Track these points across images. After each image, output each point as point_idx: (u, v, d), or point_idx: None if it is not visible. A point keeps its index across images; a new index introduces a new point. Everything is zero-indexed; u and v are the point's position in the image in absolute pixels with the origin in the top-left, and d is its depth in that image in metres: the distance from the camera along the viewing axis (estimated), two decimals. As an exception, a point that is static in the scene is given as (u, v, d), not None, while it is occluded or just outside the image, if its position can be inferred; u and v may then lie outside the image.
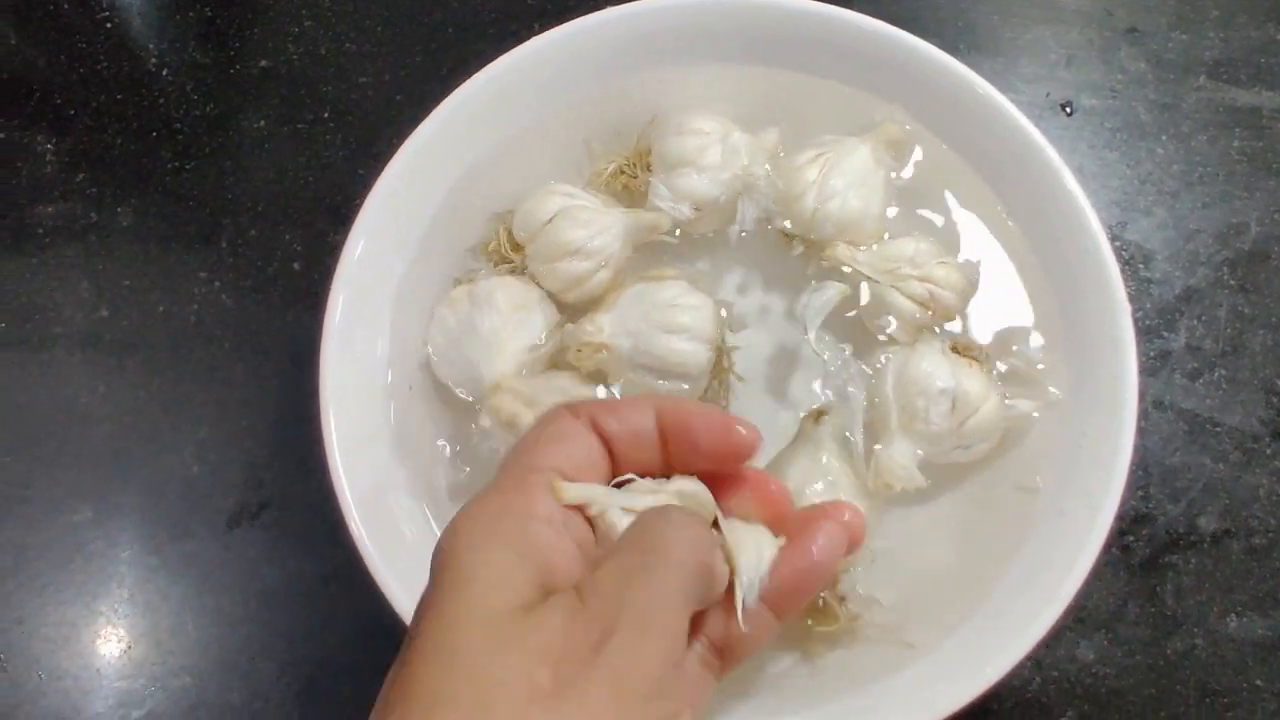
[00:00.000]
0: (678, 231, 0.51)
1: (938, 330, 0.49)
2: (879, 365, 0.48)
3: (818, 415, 0.48)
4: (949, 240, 0.51)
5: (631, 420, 0.35)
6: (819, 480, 0.46)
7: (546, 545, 0.31)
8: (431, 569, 0.31)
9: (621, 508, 0.34)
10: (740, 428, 0.35)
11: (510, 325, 0.47)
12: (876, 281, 0.48)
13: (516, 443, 0.35)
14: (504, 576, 0.29)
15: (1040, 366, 0.48)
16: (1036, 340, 0.49)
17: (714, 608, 0.34)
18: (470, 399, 0.49)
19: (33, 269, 0.60)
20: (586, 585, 0.30)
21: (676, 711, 0.29)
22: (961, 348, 0.47)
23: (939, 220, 0.52)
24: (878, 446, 0.47)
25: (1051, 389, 0.48)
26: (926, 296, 0.48)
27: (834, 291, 0.48)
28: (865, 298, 0.49)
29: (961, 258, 0.51)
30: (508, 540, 0.31)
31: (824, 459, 0.47)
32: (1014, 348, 0.48)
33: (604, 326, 0.47)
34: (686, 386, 0.48)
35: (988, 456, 0.47)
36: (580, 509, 0.33)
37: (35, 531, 0.56)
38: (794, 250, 0.50)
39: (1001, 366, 0.49)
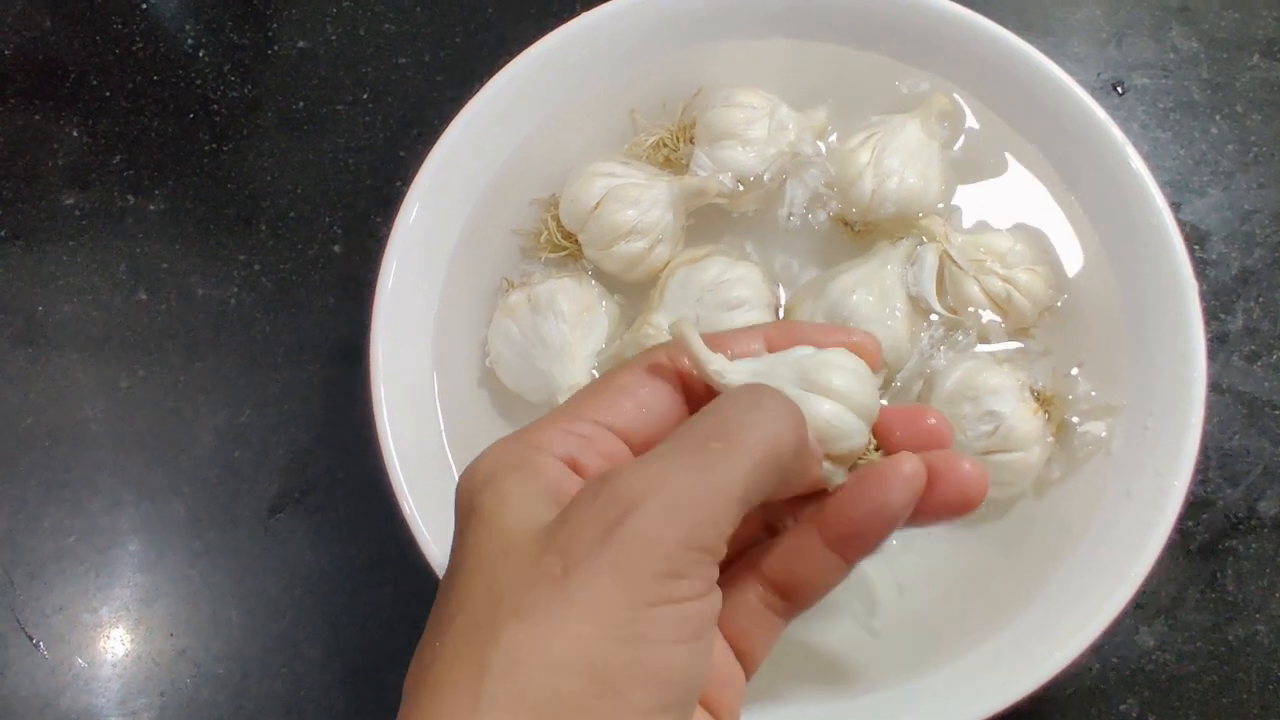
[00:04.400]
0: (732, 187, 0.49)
1: (1030, 357, 0.48)
2: (942, 355, 0.47)
3: (896, 238, 0.47)
4: (1005, 215, 0.50)
5: (741, 350, 0.34)
6: (873, 290, 0.46)
7: (557, 475, 0.30)
8: (455, 513, 0.31)
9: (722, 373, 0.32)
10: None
11: (579, 331, 0.46)
12: (960, 267, 0.47)
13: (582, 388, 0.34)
14: (514, 496, 0.29)
15: (1093, 394, 0.47)
16: (1093, 369, 0.48)
17: (774, 546, 0.33)
18: (541, 402, 0.48)
19: (70, 252, 0.59)
20: (614, 470, 0.28)
21: (702, 591, 0.28)
22: (1041, 397, 0.45)
23: (993, 194, 0.51)
24: None
25: (1111, 402, 0.46)
26: (1004, 297, 0.47)
27: (932, 256, 0.47)
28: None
29: (1020, 227, 0.50)
30: (518, 467, 0.30)
31: (889, 268, 0.46)
32: (1069, 396, 0.46)
33: (661, 324, 0.46)
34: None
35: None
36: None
37: (76, 518, 0.55)
38: (852, 235, 0.49)
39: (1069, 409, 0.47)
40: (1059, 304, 0.48)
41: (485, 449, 0.31)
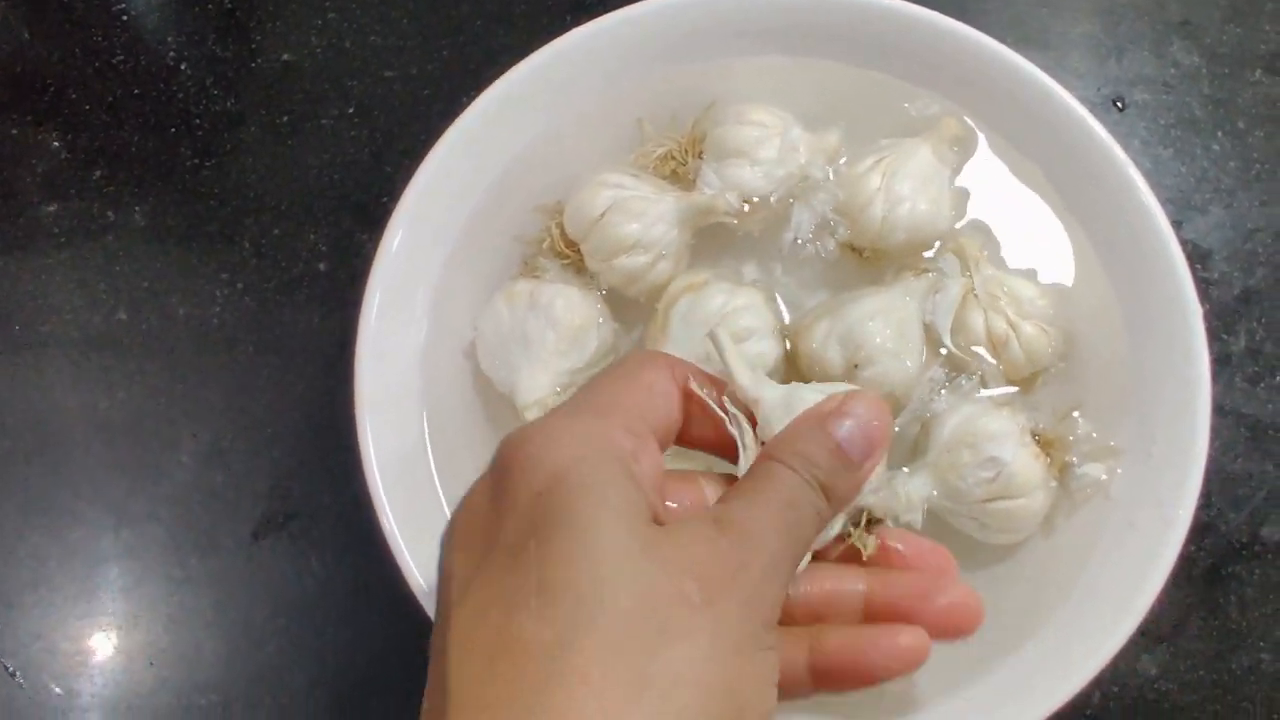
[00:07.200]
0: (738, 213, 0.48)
1: (1028, 404, 0.46)
2: (942, 399, 0.46)
3: (921, 272, 0.47)
4: (1006, 238, 0.49)
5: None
6: (891, 320, 0.45)
7: (643, 477, 0.32)
8: (510, 466, 0.31)
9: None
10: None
11: (563, 344, 0.45)
12: (975, 295, 0.46)
13: (601, 373, 0.35)
14: (631, 493, 0.30)
15: (1094, 435, 0.46)
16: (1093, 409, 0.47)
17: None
18: (505, 393, 0.47)
19: (48, 270, 0.58)
20: (723, 515, 0.31)
21: (775, 650, 0.31)
22: (1043, 441, 0.44)
23: (995, 216, 0.50)
24: (904, 469, 0.45)
25: (1112, 443, 0.45)
26: (1002, 340, 0.45)
27: (957, 288, 0.46)
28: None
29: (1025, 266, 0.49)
30: (615, 460, 0.31)
31: (907, 300, 0.45)
32: (1070, 437, 0.45)
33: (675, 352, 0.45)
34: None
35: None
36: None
37: (55, 543, 0.54)
38: (860, 261, 0.48)
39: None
40: (1054, 369, 0.47)
41: (552, 423, 0.32)
